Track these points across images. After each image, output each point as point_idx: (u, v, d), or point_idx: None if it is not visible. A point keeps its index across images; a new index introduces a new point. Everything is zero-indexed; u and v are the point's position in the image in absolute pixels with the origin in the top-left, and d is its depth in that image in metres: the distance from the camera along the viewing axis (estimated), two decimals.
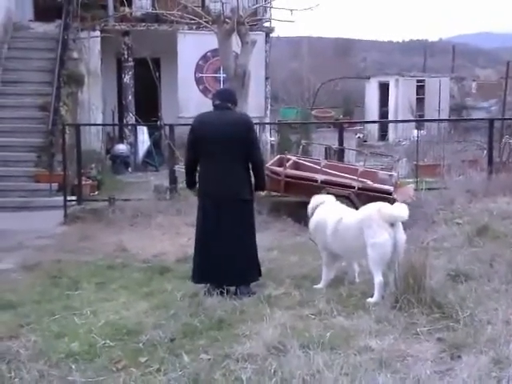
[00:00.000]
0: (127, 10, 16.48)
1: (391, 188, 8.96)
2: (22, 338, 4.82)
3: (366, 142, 25.08)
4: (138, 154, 16.34)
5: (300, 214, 9.04)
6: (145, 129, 16.37)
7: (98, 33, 15.82)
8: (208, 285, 5.88)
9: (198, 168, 6.09)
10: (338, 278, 6.17)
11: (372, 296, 5.53)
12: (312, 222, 6.31)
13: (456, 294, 5.41)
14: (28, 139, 12.39)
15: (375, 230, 5.62)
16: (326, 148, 13.94)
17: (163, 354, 4.45)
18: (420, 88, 27.57)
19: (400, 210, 5.72)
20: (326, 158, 12.00)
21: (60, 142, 11.21)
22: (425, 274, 5.20)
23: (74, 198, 10.89)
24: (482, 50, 67.80)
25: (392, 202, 8.65)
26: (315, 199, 6.46)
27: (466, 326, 4.80)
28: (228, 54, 13.02)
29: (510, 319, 4.90)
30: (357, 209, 8.52)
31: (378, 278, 5.55)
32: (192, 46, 16.43)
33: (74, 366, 4.31)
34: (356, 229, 5.77)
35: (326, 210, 6.24)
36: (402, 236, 5.71)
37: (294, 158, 9.88)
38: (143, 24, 16.51)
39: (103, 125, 16.04)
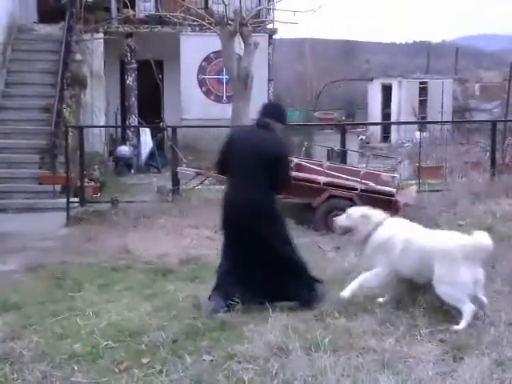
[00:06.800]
0: (130, 12, 16.56)
1: (394, 190, 8.97)
2: (25, 339, 4.83)
3: (368, 143, 25.03)
4: (140, 156, 16.37)
5: (302, 216, 9.07)
6: (148, 130, 16.40)
7: (101, 35, 15.87)
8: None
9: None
10: (339, 280, 6.16)
11: None
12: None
13: None
14: (32, 141, 12.41)
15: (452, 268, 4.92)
16: (328, 150, 13.97)
17: (166, 355, 4.46)
18: (423, 90, 27.52)
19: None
20: (328, 160, 12.01)
21: (63, 144, 11.24)
22: None
23: (76, 199, 10.91)
24: (486, 52, 67.67)
25: (394, 203, 8.69)
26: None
27: (469, 327, 4.80)
28: (231, 56, 13.07)
29: None
30: None
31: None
32: (195, 47, 16.47)
33: (76, 367, 4.32)
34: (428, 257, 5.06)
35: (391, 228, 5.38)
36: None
37: (296, 160, 9.89)
38: (146, 26, 16.56)
39: (106, 126, 16.08)
